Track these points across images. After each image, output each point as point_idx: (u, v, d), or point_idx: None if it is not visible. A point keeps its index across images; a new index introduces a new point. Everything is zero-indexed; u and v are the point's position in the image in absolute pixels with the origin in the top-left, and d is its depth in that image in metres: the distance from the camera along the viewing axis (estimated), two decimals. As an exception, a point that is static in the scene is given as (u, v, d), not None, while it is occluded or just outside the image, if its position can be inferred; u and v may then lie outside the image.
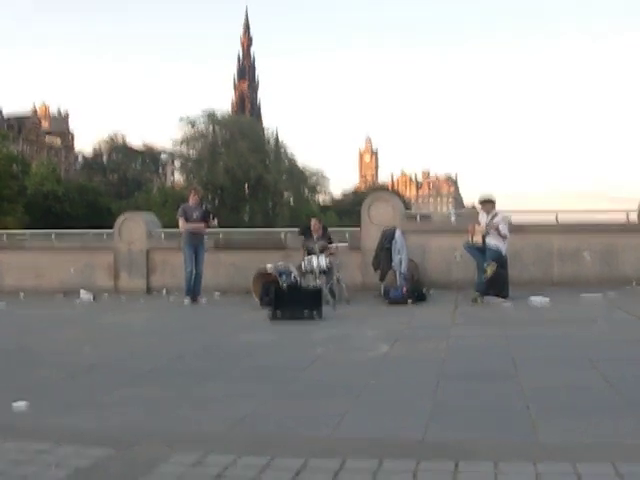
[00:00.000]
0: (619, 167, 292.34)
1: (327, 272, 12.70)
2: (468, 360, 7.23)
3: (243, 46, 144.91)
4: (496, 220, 12.23)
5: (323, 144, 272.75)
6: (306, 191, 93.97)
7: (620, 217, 14.84)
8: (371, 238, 14.26)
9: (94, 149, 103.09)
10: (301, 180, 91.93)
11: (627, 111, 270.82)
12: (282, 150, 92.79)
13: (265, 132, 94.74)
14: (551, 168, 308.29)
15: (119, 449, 4.37)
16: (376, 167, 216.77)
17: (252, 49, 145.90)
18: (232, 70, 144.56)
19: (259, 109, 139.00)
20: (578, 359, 6.95)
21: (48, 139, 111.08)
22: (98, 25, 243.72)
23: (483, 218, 12.53)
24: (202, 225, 13.93)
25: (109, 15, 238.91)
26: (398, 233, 13.58)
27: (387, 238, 13.58)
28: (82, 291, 15.21)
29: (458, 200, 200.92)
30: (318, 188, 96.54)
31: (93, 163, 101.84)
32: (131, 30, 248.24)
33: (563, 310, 11.01)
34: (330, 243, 13.23)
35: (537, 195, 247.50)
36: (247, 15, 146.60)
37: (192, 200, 14.24)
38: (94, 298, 14.96)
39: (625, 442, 4.31)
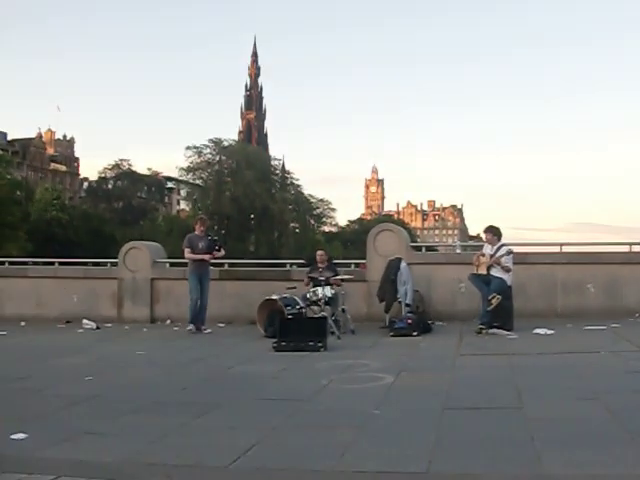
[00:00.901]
0: (621, 196, 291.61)
1: (332, 303, 12.67)
2: (473, 391, 7.20)
3: (251, 76, 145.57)
4: (500, 253, 12.22)
5: (330, 173, 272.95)
6: (312, 221, 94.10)
7: (623, 249, 14.83)
8: (376, 269, 14.23)
9: (99, 176, 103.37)
10: (307, 210, 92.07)
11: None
12: (288, 179, 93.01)
13: (271, 161, 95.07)
14: (556, 200, 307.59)
15: (120, 481, 4.34)
16: (382, 197, 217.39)
17: (260, 79, 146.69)
18: (239, 99, 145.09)
19: (266, 138, 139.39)
20: (582, 390, 6.93)
21: (53, 165, 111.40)
22: (107, 54, 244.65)
23: (487, 249, 12.52)
24: (208, 255, 13.92)
25: (117, 44, 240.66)
26: (403, 264, 13.55)
27: (392, 269, 13.56)
28: (85, 320, 15.17)
29: (463, 231, 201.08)
30: (324, 218, 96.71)
31: (98, 190, 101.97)
32: (138, 57, 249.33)
33: (567, 342, 10.95)
34: (335, 274, 13.21)
35: (541, 226, 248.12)
36: (255, 45, 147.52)
37: (198, 230, 14.25)
38: (97, 327, 14.91)
39: (630, 473, 4.29)
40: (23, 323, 15.75)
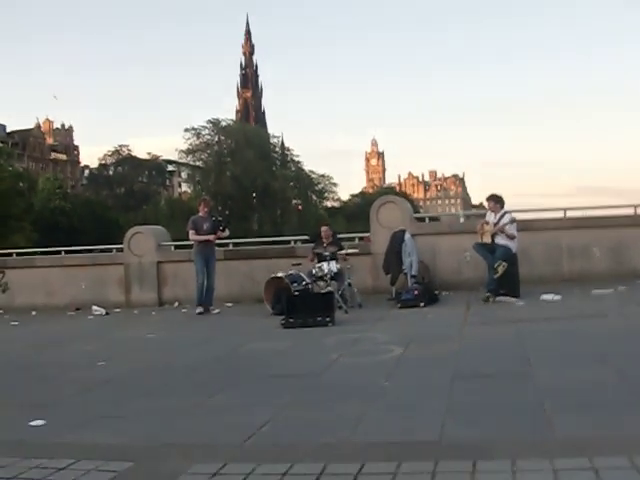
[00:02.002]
0: (621, 159, 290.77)
1: (338, 277, 12.72)
2: (482, 359, 7.25)
3: (245, 54, 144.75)
4: (503, 221, 12.24)
5: (330, 148, 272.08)
6: (314, 197, 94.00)
7: (628, 211, 14.81)
8: (380, 242, 14.26)
9: (100, 162, 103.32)
10: (308, 186, 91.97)
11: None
12: (288, 156, 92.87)
13: (271, 139, 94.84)
14: (557, 164, 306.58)
15: (138, 462, 4.40)
16: (383, 169, 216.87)
17: (254, 57, 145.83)
18: (235, 78, 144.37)
19: (264, 116, 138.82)
20: (591, 355, 6.96)
21: (53, 154, 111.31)
22: (101, 37, 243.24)
23: (491, 217, 12.54)
24: (212, 236, 13.97)
25: (110, 28, 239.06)
26: (407, 236, 13.58)
27: (397, 241, 13.59)
28: (94, 306, 15.26)
29: (466, 200, 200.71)
30: (326, 193, 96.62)
31: (99, 177, 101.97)
32: (132, 41, 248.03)
33: (575, 306, 10.99)
34: (340, 249, 13.23)
35: (545, 192, 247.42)
36: (248, 23, 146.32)
37: (202, 211, 14.29)
38: (106, 313, 15.00)
39: (641, 435, 4.32)
40: (34, 312, 15.86)
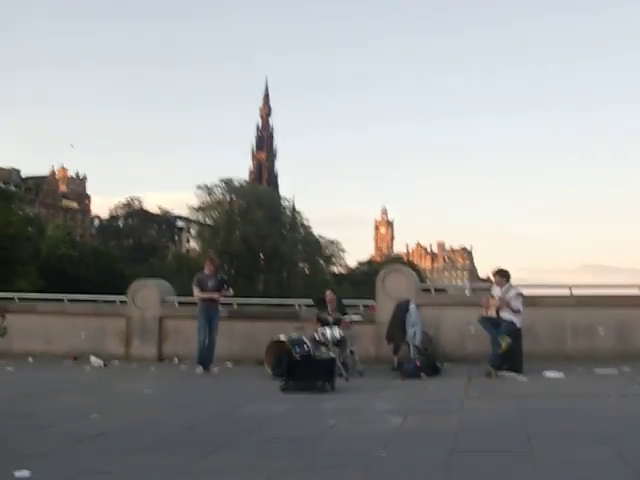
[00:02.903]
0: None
1: (340, 344, 12.62)
2: (481, 435, 7.14)
3: (262, 116, 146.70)
4: (509, 295, 12.20)
5: (340, 214, 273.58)
6: (321, 261, 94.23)
7: (634, 292, 14.73)
8: (385, 310, 14.19)
9: (110, 213, 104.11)
10: (316, 250, 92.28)
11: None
12: (298, 220, 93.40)
13: (282, 201, 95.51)
14: (566, 242, 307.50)
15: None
16: (391, 238, 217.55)
17: (271, 119, 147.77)
18: (250, 140, 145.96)
19: (276, 179, 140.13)
20: (592, 435, 6.87)
21: (65, 202, 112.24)
22: (119, 90, 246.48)
23: (497, 291, 12.49)
24: (217, 294, 13.93)
25: (128, 80, 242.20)
26: (412, 306, 13.52)
27: (401, 311, 13.53)
28: (92, 357, 15.15)
29: (473, 273, 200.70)
30: (333, 259, 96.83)
31: (109, 227, 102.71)
32: (150, 96, 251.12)
33: (577, 385, 10.90)
34: (344, 315, 13.16)
35: (551, 268, 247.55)
36: (267, 86, 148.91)
37: (207, 269, 14.27)
38: (104, 364, 14.90)
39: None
40: (31, 359, 15.75)
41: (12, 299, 18.39)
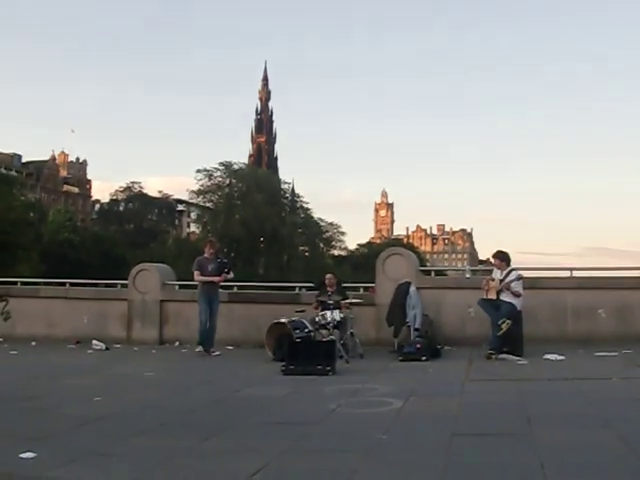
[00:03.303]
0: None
1: (341, 326, 12.64)
2: (482, 417, 7.16)
3: (261, 100, 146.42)
4: (509, 278, 12.19)
5: (339, 197, 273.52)
6: (321, 244, 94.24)
7: (635, 273, 14.73)
8: (385, 293, 14.20)
9: (111, 198, 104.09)
10: (316, 233, 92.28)
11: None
12: (298, 203, 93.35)
13: (281, 185, 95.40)
14: (567, 224, 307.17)
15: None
16: (391, 221, 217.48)
17: (270, 103, 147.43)
18: (250, 123, 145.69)
19: (276, 162, 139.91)
20: (593, 417, 6.88)
21: (65, 187, 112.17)
22: (119, 75, 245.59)
23: (497, 274, 12.49)
24: (217, 278, 13.95)
25: (128, 64, 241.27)
26: (412, 288, 13.54)
27: (401, 293, 13.55)
28: (94, 341, 15.19)
29: (473, 255, 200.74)
30: (333, 242, 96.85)
31: (109, 212, 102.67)
32: (150, 81, 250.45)
33: (578, 368, 10.90)
34: (345, 298, 13.18)
35: (552, 251, 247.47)
36: (266, 69, 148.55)
37: (208, 252, 14.28)
38: (106, 348, 14.93)
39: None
40: (34, 343, 15.80)
41: (15, 283, 18.44)
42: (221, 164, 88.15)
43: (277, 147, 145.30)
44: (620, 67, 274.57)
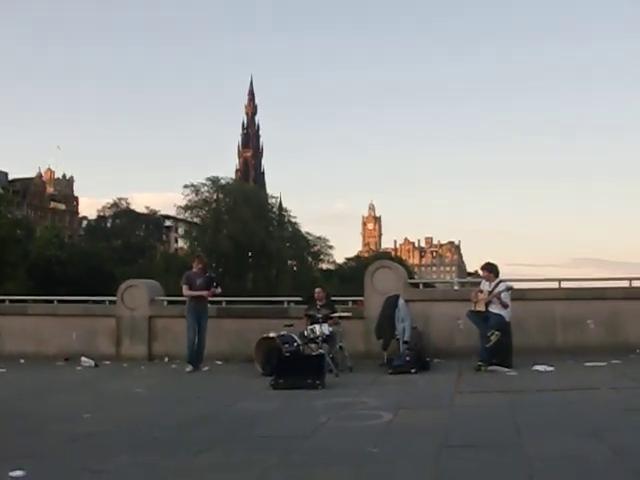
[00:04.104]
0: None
1: (330, 340, 12.64)
2: (471, 429, 7.18)
3: (248, 114, 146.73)
4: (498, 289, 12.22)
5: (327, 211, 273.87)
6: (309, 258, 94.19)
7: (623, 284, 14.77)
8: (374, 306, 14.21)
9: (98, 214, 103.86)
10: (304, 247, 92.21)
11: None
12: (286, 217, 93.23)
13: (269, 199, 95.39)
14: (555, 236, 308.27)
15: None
16: (379, 234, 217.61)
17: (257, 117, 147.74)
18: (236, 138, 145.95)
19: (263, 177, 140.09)
20: (582, 428, 6.90)
21: (52, 204, 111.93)
22: (105, 92, 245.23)
23: (485, 286, 12.53)
24: (205, 292, 13.93)
25: (114, 81, 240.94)
26: (401, 301, 13.56)
27: (390, 306, 13.56)
28: (83, 358, 15.13)
29: (461, 268, 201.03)
30: (321, 256, 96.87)
31: (97, 228, 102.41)
32: (135, 96, 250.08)
33: (567, 378, 10.92)
34: (334, 311, 13.19)
35: (540, 262, 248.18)
36: (252, 84, 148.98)
37: (196, 267, 14.27)
38: (95, 364, 14.88)
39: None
40: (22, 360, 15.70)
41: (3, 301, 18.39)
42: (208, 179, 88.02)
43: (264, 161, 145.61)
44: (604, 82, 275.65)
